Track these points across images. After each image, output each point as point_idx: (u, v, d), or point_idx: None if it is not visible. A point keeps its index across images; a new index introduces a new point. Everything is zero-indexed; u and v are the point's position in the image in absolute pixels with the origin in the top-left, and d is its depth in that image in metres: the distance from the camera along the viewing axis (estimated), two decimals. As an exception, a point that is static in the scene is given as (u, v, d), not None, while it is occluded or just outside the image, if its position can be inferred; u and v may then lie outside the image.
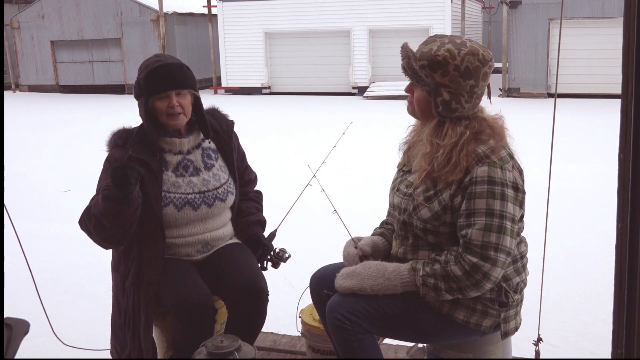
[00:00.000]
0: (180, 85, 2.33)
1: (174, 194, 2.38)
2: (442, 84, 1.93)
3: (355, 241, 2.25)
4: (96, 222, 2.21)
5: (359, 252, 2.19)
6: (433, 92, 1.96)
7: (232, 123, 2.63)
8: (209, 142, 2.54)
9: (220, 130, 2.55)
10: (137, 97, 2.36)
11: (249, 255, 2.50)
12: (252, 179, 2.75)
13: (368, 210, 5.69)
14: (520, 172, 2.01)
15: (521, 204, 1.98)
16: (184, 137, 2.46)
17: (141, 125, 2.42)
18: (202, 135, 2.51)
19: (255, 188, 2.78)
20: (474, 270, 1.88)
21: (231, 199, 2.53)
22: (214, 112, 2.60)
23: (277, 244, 2.63)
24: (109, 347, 2.53)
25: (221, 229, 2.53)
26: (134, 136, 2.38)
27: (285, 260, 2.58)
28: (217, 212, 2.48)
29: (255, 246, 2.55)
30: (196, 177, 2.44)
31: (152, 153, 2.36)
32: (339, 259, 2.28)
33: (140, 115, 2.37)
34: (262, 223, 2.66)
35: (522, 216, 2.02)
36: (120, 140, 2.38)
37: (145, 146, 2.35)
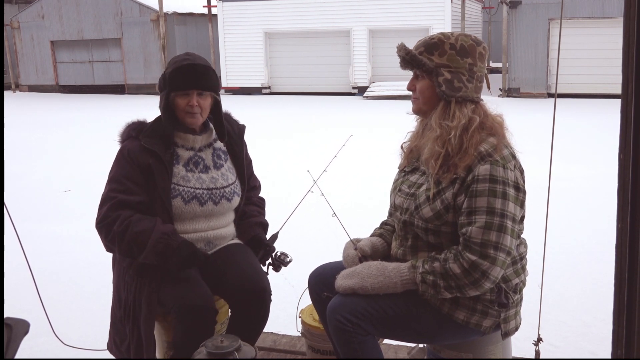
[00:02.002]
0: (203, 86, 2.39)
1: (182, 187, 2.41)
2: (441, 65, 1.99)
3: (354, 243, 2.25)
4: (116, 238, 2.30)
5: (358, 253, 2.20)
6: (434, 74, 1.99)
7: (243, 127, 2.68)
8: (221, 144, 2.58)
9: (232, 133, 2.60)
10: (160, 90, 2.43)
11: (251, 255, 2.51)
12: (256, 185, 2.78)
13: (368, 211, 5.69)
14: (522, 172, 2.01)
15: (522, 204, 1.98)
16: (198, 135, 2.50)
17: (156, 118, 2.47)
18: (214, 135, 2.56)
19: (259, 195, 2.80)
20: (473, 268, 1.89)
21: (236, 200, 2.56)
22: (227, 115, 2.65)
23: (278, 245, 2.64)
24: (107, 342, 2.53)
25: (224, 228, 2.55)
26: (147, 128, 2.43)
27: (286, 264, 2.59)
28: (222, 211, 2.50)
29: (257, 247, 2.56)
30: (205, 174, 2.48)
31: (164, 145, 2.40)
32: (338, 258, 2.28)
33: (160, 107, 2.42)
34: (264, 225, 2.68)
35: (522, 218, 2.02)
36: (134, 132, 2.43)
37: (158, 138, 2.40)
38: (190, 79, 2.36)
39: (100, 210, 2.35)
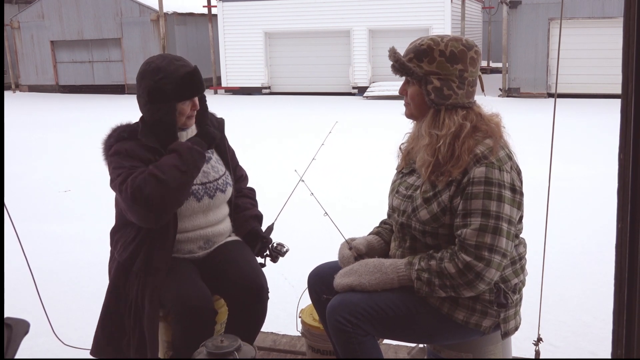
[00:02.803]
0: (203, 90, 2.45)
1: None
2: (430, 72, 1.97)
3: (349, 242, 2.25)
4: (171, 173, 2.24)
5: (353, 252, 2.20)
6: (423, 81, 1.98)
7: (222, 121, 2.69)
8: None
9: (212, 126, 2.59)
10: (158, 101, 2.34)
11: (248, 252, 2.52)
12: (243, 175, 2.80)
13: (367, 209, 5.69)
14: (519, 172, 2.01)
15: (519, 206, 1.97)
16: (182, 131, 2.49)
17: (141, 119, 2.45)
18: (196, 130, 2.54)
19: (248, 185, 2.82)
20: (467, 269, 1.89)
21: (229, 190, 2.58)
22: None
23: (272, 237, 2.64)
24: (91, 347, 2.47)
25: (221, 223, 2.55)
26: (142, 128, 2.40)
27: (283, 254, 2.60)
28: (217, 204, 2.52)
29: (254, 240, 2.57)
30: None
31: (161, 145, 2.38)
32: (337, 257, 2.28)
33: (160, 118, 2.36)
34: (259, 217, 2.69)
35: (520, 218, 2.02)
36: (126, 133, 2.40)
37: (155, 137, 2.39)
38: (195, 86, 2.38)
39: (124, 184, 2.21)
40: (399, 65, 2.01)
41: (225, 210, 2.59)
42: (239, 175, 2.75)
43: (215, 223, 2.52)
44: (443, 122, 1.98)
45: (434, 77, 1.97)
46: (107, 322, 2.44)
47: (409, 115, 2.10)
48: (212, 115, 2.65)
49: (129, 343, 2.37)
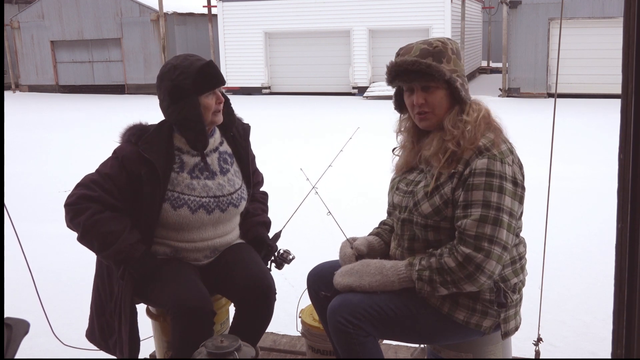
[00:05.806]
0: (223, 82, 2.41)
1: (188, 196, 2.37)
2: (453, 70, 1.99)
3: (350, 242, 2.25)
4: (80, 227, 2.28)
5: (354, 252, 2.20)
6: (452, 81, 1.97)
7: (248, 127, 2.63)
8: (227, 147, 2.54)
9: (237, 135, 2.56)
10: (180, 99, 2.31)
11: (255, 254, 2.51)
12: (259, 181, 2.77)
13: (366, 209, 5.69)
14: (521, 167, 2.01)
15: (520, 200, 1.97)
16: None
17: (159, 124, 2.41)
18: (220, 139, 2.52)
19: (261, 189, 2.80)
20: (467, 261, 1.88)
21: (243, 204, 2.54)
22: None
23: (279, 243, 2.64)
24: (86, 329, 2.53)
25: (230, 234, 2.54)
26: (148, 134, 2.36)
27: (289, 261, 2.59)
28: (229, 217, 2.49)
29: (259, 246, 2.56)
30: (211, 180, 2.43)
31: (164, 153, 2.35)
32: (337, 257, 2.28)
33: (186, 117, 2.33)
34: (267, 224, 2.66)
35: (520, 214, 2.02)
36: (134, 138, 2.36)
37: (156, 146, 2.34)
38: (215, 76, 2.35)
39: (75, 191, 2.31)
40: (428, 69, 1.95)
41: (236, 221, 2.57)
42: (255, 182, 2.71)
43: (224, 234, 2.50)
44: (468, 111, 1.99)
45: (455, 75, 1.99)
46: (98, 314, 2.47)
47: (429, 126, 2.05)
48: (239, 120, 2.61)
49: (115, 342, 2.38)
